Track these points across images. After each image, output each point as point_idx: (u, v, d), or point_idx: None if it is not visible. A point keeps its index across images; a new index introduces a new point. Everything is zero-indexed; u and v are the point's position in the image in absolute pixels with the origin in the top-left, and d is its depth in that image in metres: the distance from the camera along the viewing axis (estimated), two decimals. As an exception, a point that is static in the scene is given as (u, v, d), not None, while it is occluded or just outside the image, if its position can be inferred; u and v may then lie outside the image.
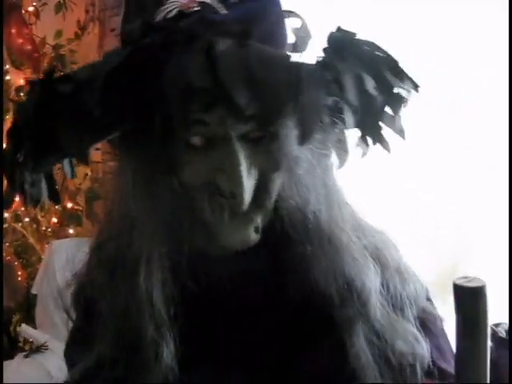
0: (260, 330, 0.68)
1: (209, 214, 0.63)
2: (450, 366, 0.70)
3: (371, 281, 0.68)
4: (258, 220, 0.64)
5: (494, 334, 1.31)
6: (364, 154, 0.67)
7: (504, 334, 1.31)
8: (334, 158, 0.69)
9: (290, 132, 0.61)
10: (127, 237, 0.67)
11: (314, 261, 0.66)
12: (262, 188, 0.63)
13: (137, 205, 0.66)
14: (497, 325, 1.14)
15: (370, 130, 0.63)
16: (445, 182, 1.74)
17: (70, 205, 2.55)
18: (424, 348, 0.69)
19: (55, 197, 0.67)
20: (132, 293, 0.65)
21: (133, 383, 0.65)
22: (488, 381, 0.55)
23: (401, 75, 0.61)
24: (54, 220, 2.62)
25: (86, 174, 2.51)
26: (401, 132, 0.63)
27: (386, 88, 0.60)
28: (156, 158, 0.63)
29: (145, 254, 0.65)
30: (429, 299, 0.78)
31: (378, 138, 0.64)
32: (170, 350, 0.64)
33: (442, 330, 0.76)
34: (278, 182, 0.64)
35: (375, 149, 0.68)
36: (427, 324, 0.73)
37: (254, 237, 0.64)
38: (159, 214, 0.65)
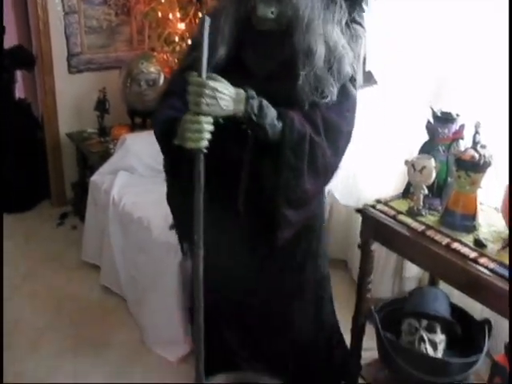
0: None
1: (259, 5, 1.37)
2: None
3: (321, 50, 1.35)
4: (274, 8, 1.37)
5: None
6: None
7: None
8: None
9: None
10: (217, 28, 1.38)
11: (295, 35, 1.35)
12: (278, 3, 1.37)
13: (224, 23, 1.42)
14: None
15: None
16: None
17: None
18: (334, 91, 1.35)
19: None
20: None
21: None
22: None
23: None
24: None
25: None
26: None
27: None
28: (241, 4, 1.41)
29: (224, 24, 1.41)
30: (352, 82, 1.42)
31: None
32: None
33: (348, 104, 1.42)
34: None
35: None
36: (343, 90, 1.39)
37: (270, 15, 1.38)
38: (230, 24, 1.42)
